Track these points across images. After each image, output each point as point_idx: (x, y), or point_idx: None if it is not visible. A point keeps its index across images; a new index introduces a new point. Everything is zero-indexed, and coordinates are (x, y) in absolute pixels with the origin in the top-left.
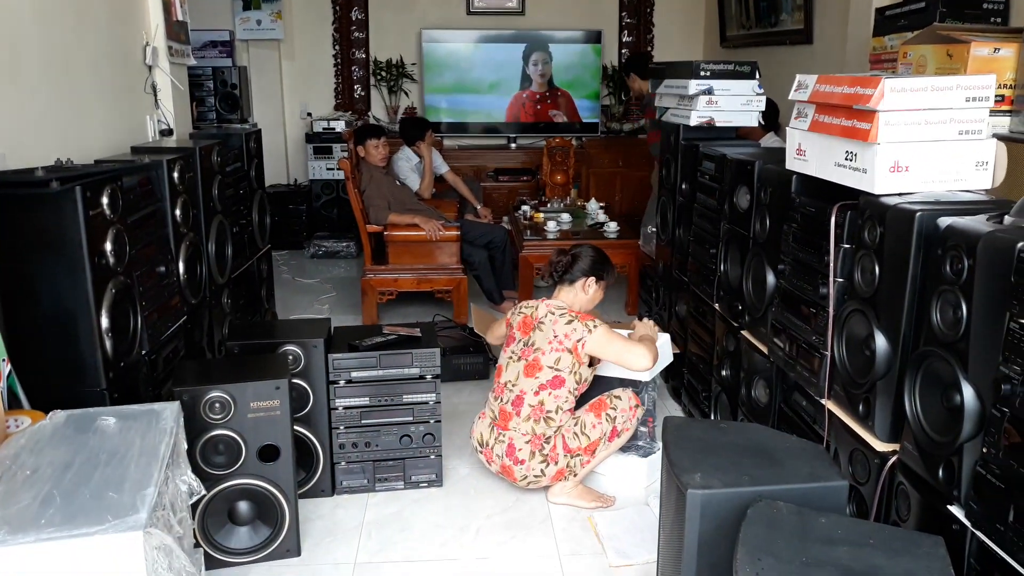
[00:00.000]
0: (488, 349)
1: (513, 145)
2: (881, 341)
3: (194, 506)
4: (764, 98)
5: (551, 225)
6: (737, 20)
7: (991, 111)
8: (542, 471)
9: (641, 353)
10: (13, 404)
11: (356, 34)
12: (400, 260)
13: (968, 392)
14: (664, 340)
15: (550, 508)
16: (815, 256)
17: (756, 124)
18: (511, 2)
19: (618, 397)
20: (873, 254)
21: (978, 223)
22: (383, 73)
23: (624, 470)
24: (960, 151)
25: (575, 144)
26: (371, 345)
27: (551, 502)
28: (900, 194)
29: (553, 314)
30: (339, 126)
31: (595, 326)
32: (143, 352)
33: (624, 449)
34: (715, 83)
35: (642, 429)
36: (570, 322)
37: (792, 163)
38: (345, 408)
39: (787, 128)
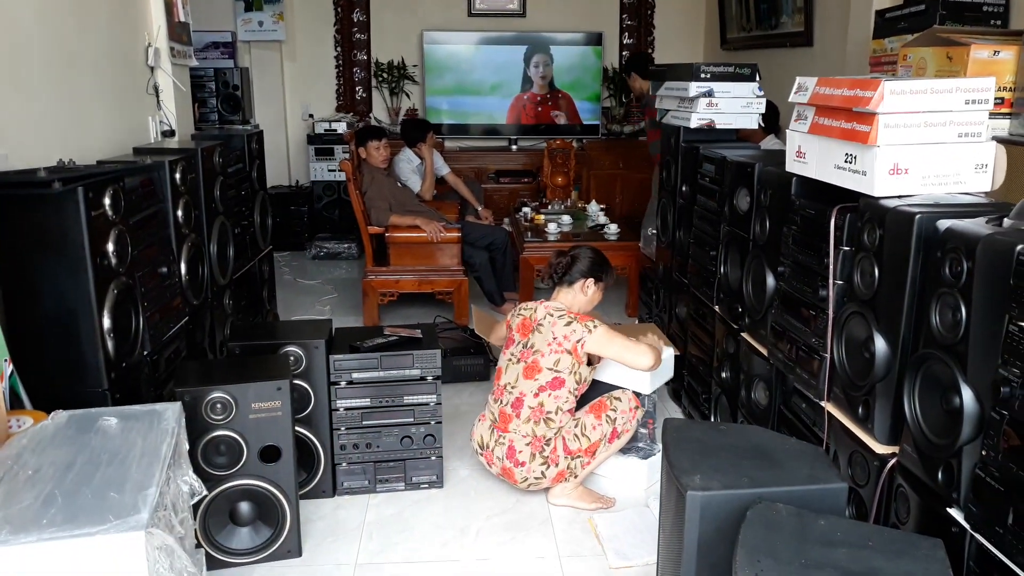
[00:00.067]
0: (489, 350)
1: (514, 147)
2: (880, 343)
3: (195, 506)
4: (764, 100)
5: (552, 227)
6: (737, 22)
7: (991, 113)
8: (543, 473)
9: (642, 351)
10: (15, 404)
11: (358, 35)
12: (401, 261)
13: (967, 395)
14: (668, 354)
15: (550, 509)
16: (815, 258)
17: (756, 126)
18: (512, 4)
19: (618, 399)
20: (873, 256)
21: (977, 226)
22: (384, 75)
23: (624, 472)
24: (960, 153)
25: (576, 146)
26: (372, 346)
27: (551, 503)
28: (899, 196)
29: (552, 316)
30: (340, 127)
31: (595, 326)
32: (145, 353)
33: (624, 451)
34: (715, 85)
35: (642, 431)
36: (569, 323)
37: (792, 165)
38: (346, 409)
39: (787, 130)
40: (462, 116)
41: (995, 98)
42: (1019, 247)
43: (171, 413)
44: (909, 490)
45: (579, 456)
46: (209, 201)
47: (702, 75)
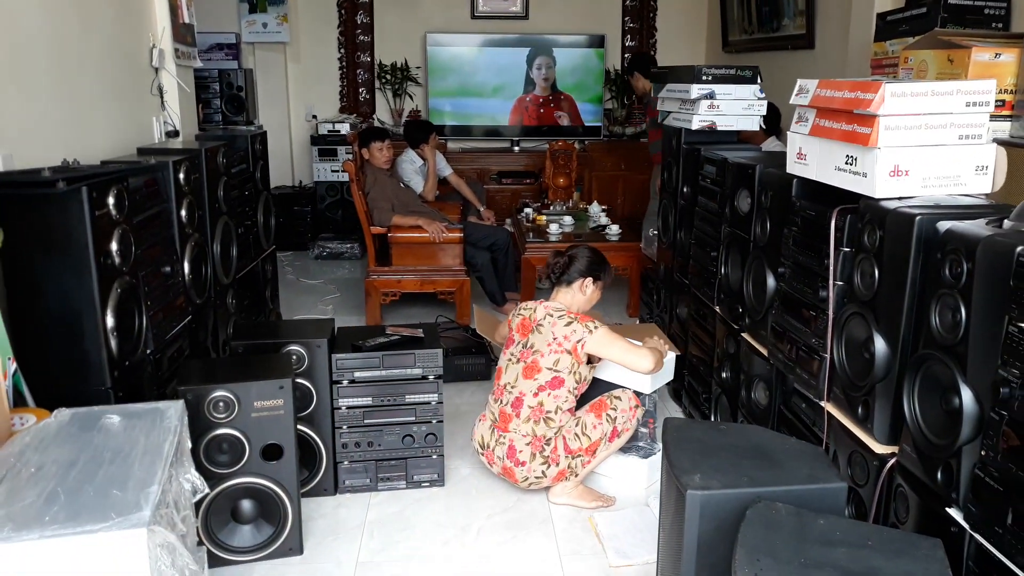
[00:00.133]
0: (490, 350)
1: (516, 148)
2: (880, 344)
3: (197, 504)
4: (765, 102)
5: (553, 227)
6: (739, 25)
7: (991, 116)
8: (543, 472)
9: (643, 354)
10: (18, 402)
11: (361, 37)
12: (404, 261)
13: (967, 395)
14: (670, 358)
15: (551, 508)
16: (815, 259)
17: (758, 128)
18: (515, 6)
19: (618, 398)
20: (873, 257)
21: (977, 227)
22: (388, 76)
23: (624, 471)
24: (960, 155)
25: (578, 147)
26: (374, 345)
27: (552, 502)
28: (900, 198)
29: (552, 316)
30: (344, 128)
31: (595, 327)
32: (148, 351)
33: (625, 450)
34: (717, 87)
35: (643, 430)
36: (569, 324)
37: (793, 167)
38: (348, 408)
39: (788, 132)
40: (465, 117)
41: (996, 100)
42: (1019, 248)
43: (174, 411)
44: (908, 490)
45: (579, 455)
46: (213, 201)
47: (704, 77)
